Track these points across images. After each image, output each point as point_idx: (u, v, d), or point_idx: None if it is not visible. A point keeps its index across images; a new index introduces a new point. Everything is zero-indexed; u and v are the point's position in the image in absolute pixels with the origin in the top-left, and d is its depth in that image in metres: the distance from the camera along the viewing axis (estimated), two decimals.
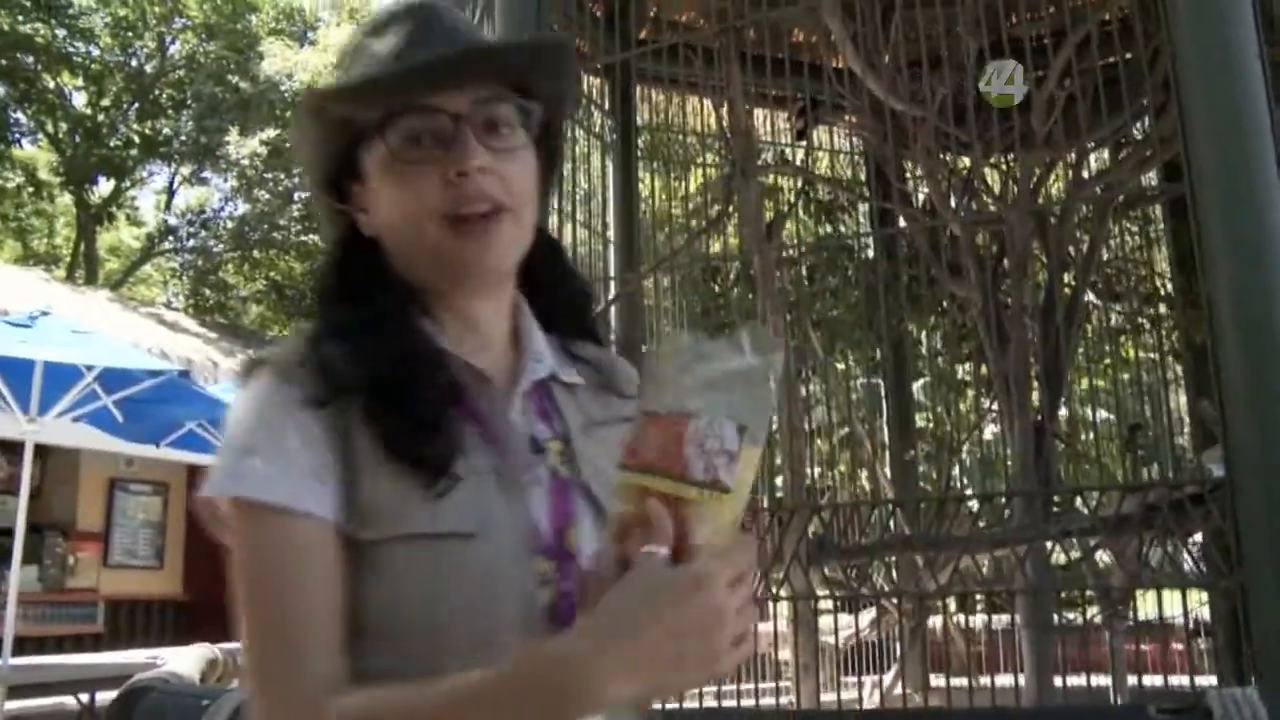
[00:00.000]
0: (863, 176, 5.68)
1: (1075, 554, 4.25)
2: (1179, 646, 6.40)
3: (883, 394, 5.41)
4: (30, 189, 20.68)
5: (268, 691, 0.98)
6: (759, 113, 5.23)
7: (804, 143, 5.09)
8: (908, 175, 5.06)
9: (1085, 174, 4.90)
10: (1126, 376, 6.16)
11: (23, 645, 7.50)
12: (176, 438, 7.69)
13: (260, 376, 1.08)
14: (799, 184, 5.51)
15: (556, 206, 3.42)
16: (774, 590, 3.00)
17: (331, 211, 1.23)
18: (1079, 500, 3.21)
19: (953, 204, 4.54)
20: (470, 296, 1.16)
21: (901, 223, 5.04)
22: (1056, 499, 3.54)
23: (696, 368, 0.92)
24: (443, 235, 1.08)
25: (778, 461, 4.70)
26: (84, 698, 6.24)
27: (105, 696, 5.53)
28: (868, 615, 6.31)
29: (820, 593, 3.39)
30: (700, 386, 0.91)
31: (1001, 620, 5.94)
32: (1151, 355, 5.96)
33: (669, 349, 0.98)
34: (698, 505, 0.87)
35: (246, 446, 1.02)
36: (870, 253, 5.27)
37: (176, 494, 11.98)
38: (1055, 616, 3.98)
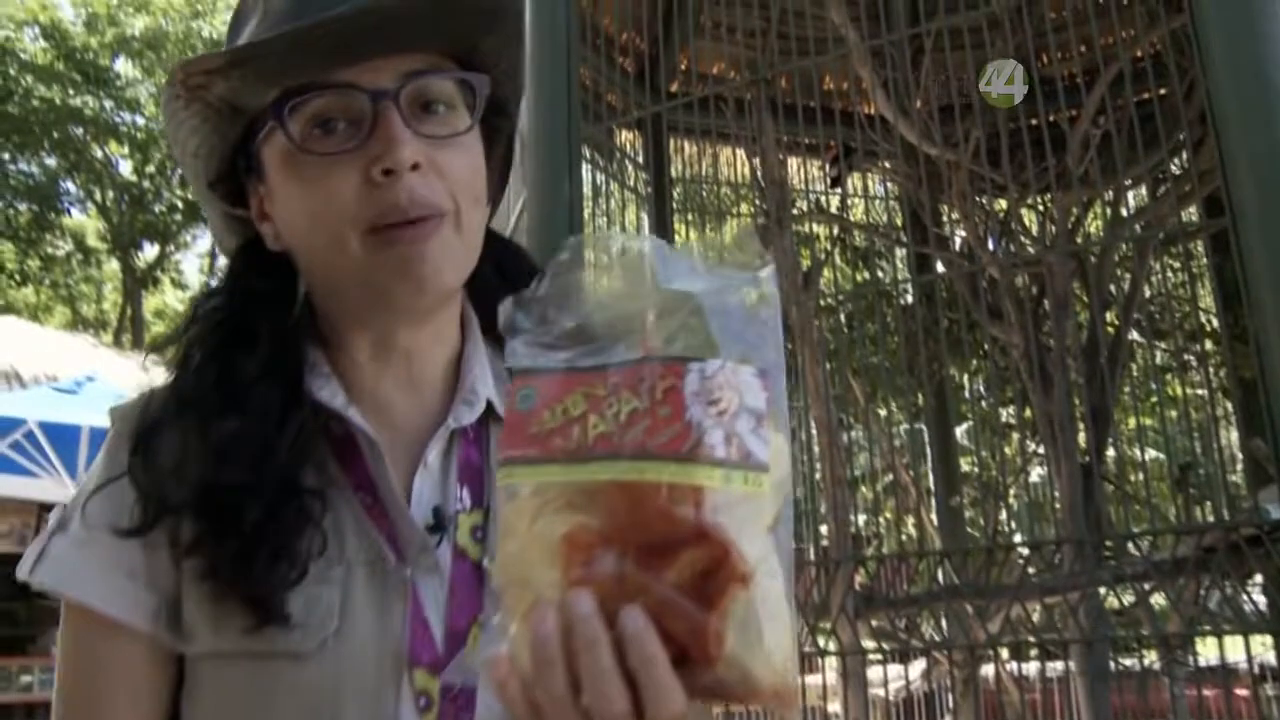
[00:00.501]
0: (899, 221, 5.66)
1: (1130, 599, 4.16)
2: (1244, 693, 6.23)
3: (926, 440, 5.35)
4: (79, 256, 21.21)
5: None
6: (793, 161, 5.24)
7: (839, 190, 5.09)
8: (944, 219, 5.04)
9: (1124, 212, 4.85)
10: (1175, 414, 6.05)
11: None
12: None
13: (107, 439, 0.94)
14: (835, 231, 5.50)
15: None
16: (822, 644, 2.95)
17: (225, 220, 1.00)
18: (1131, 544, 3.15)
19: (990, 246, 4.51)
20: (399, 325, 0.93)
21: (939, 267, 5.01)
22: (1108, 543, 3.48)
23: (656, 289, 0.62)
24: (364, 251, 0.84)
25: (821, 510, 4.66)
26: None
27: None
28: (918, 666, 6.20)
29: (869, 645, 3.33)
30: (678, 315, 0.60)
31: (1056, 668, 5.81)
32: (1200, 392, 5.86)
33: (601, 251, 0.67)
34: (724, 494, 0.56)
35: (64, 521, 0.89)
36: (909, 298, 5.24)
37: None
38: (1112, 663, 3.88)
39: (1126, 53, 4.03)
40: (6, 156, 19.61)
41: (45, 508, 9.74)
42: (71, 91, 19.24)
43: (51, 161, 20.03)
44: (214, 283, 1.00)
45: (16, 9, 19.76)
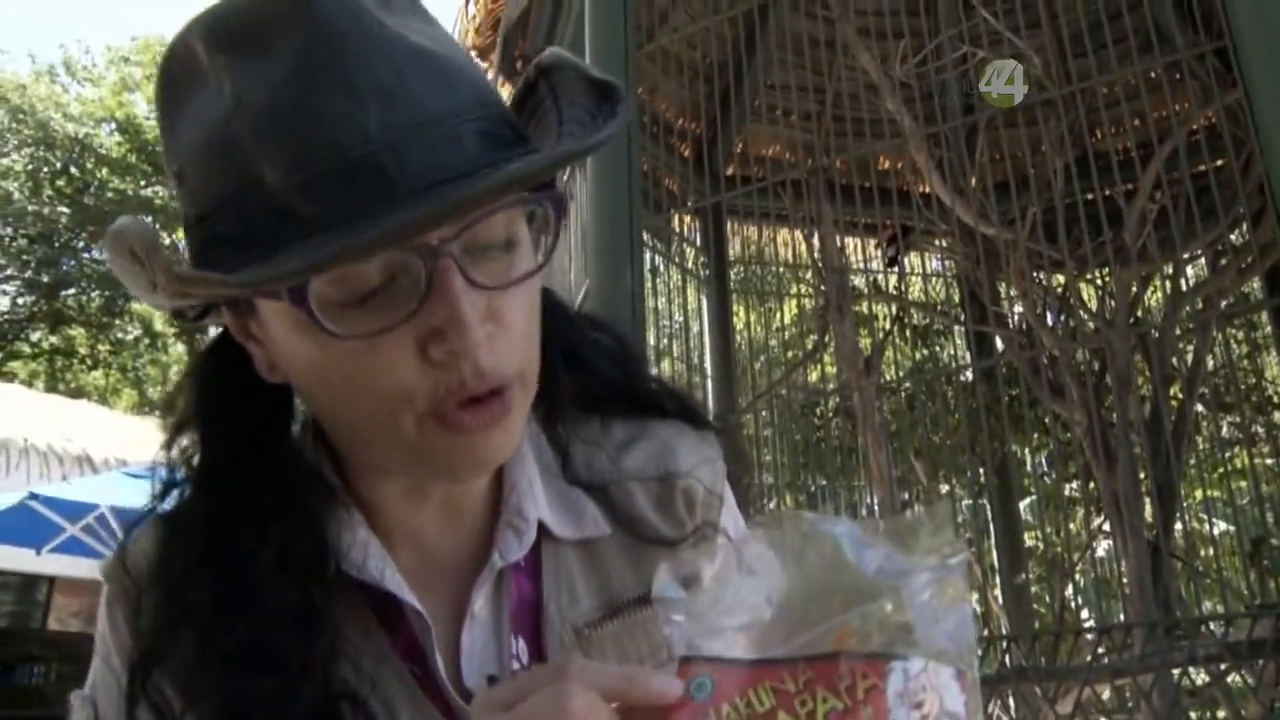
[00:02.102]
0: (957, 299, 5.68)
1: (1203, 680, 4.06)
2: None
3: (989, 516, 5.30)
4: (147, 340, 21.72)
5: None
6: (849, 241, 5.30)
7: (895, 269, 5.13)
8: (1002, 296, 5.05)
9: (1184, 285, 4.83)
10: (1244, 485, 5.94)
11: None
12: None
13: (104, 620, 0.81)
14: (894, 310, 5.53)
15: (653, 344, 3.48)
16: None
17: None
18: (1204, 625, 3.09)
19: (1049, 323, 4.50)
20: (453, 484, 0.79)
21: (999, 344, 5.01)
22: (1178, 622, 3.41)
23: (851, 575, 0.57)
24: (419, 433, 0.69)
25: None
26: None
27: None
28: None
29: None
30: (875, 606, 0.55)
31: None
32: (1269, 462, 5.75)
33: (790, 529, 0.59)
34: None
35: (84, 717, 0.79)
36: (968, 375, 5.24)
37: None
38: None
39: (1181, 127, 4.05)
40: (81, 245, 20.30)
41: None
42: (143, 182, 19.94)
43: None
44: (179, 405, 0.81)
45: (95, 106, 20.60)
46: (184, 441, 0.79)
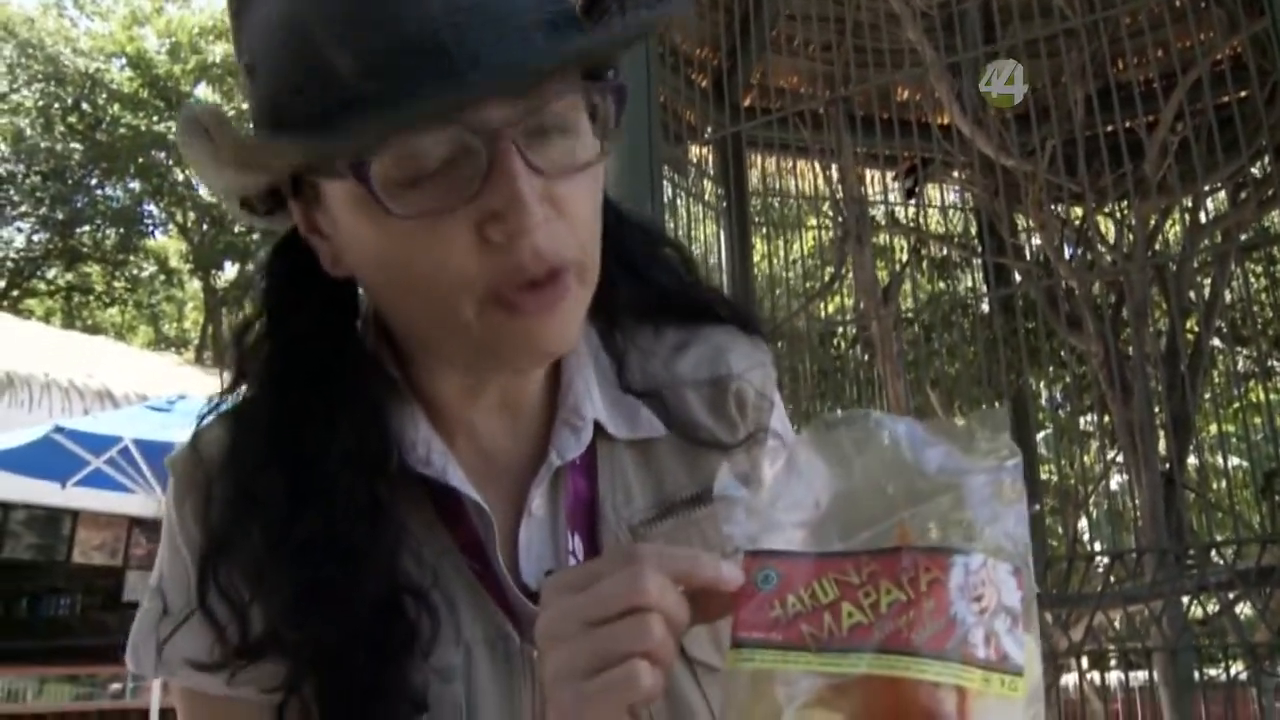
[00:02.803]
0: (974, 231, 5.65)
1: (1214, 608, 4.10)
2: None
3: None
4: (162, 277, 21.80)
5: None
6: (867, 172, 5.27)
7: (914, 201, 5.11)
8: (1020, 229, 5.03)
9: (1203, 218, 4.80)
10: (1259, 421, 5.95)
11: (166, 717, 7.77)
12: None
13: (170, 517, 0.82)
14: (911, 243, 5.51)
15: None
16: None
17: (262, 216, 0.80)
18: (1215, 553, 3.13)
19: (1067, 256, 4.49)
20: (511, 377, 0.80)
21: (1016, 278, 5.00)
22: (1191, 552, 3.45)
23: (913, 472, 0.58)
24: (479, 319, 0.69)
25: None
26: None
27: None
28: None
29: None
30: (937, 503, 0.57)
31: (1138, 678, 5.72)
32: None
33: (847, 432, 0.60)
34: (982, 700, 0.52)
35: (155, 609, 0.81)
36: (985, 307, 5.24)
37: None
38: (1197, 673, 3.84)
39: (1205, 57, 4.00)
40: (94, 182, 20.29)
41: (135, 522, 10.07)
42: (155, 118, 19.86)
43: (135, 186, 20.67)
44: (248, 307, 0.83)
45: (106, 41, 20.46)
46: (251, 338, 0.81)
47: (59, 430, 6.00)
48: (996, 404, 5.06)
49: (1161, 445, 4.05)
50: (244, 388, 0.82)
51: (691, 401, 0.85)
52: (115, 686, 10.29)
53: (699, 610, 0.59)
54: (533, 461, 0.81)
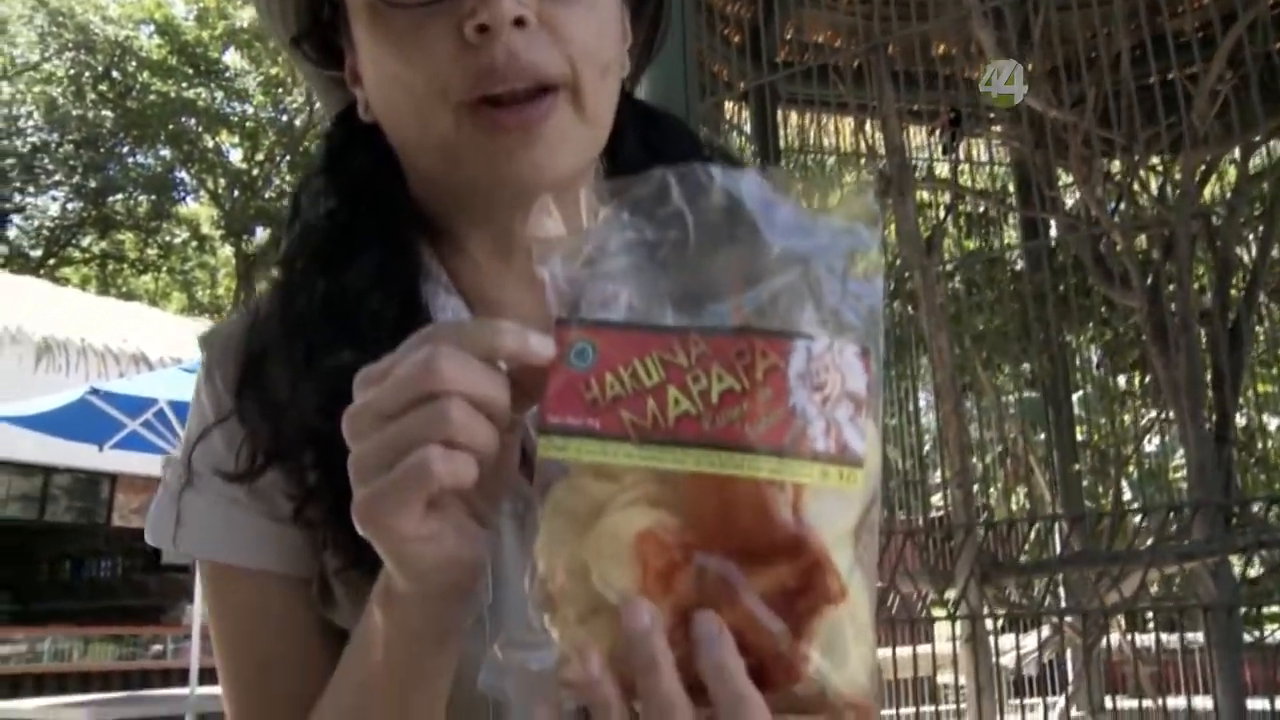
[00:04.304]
0: (1012, 187, 5.56)
1: (1258, 570, 4.03)
2: None
3: (1045, 408, 5.26)
4: (194, 243, 21.94)
5: None
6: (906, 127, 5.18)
7: (952, 156, 5.02)
8: (1058, 183, 4.93)
9: (1250, 169, 4.69)
10: None
11: (206, 675, 7.89)
12: None
13: (203, 369, 0.83)
14: (949, 198, 5.43)
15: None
16: (949, 610, 2.95)
17: (323, 82, 0.86)
18: (1262, 509, 3.07)
19: (1109, 209, 4.40)
20: (515, 218, 0.75)
21: (1054, 231, 4.91)
22: (1237, 511, 3.39)
23: (755, 240, 0.50)
24: (455, 131, 0.70)
25: (931, 480, 4.61)
26: None
27: None
28: (1031, 638, 6.11)
29: (999, 612, 3.29)
30: (780, 277, 0.50)
31: (1171, 641, 5.68)
32: None
33: (691, 184, 0.52)
34: (818, 493, 0.48)
35: (190, 478, 0.80)
36: (1021, 264, 5.16)
37: None
38: (1245, 635, 3.79)
39: (1253, 5, 3.88)
40: (125, 150, 20.40)
41: None
42: (184, 85, 19.92)
43: (166, 153, 20.78)
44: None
45: (134, 9, 20.50)
46: (309, 190, 0.84)
47: (94, 392, 6.04)
48: (1034, 363, 4.99)
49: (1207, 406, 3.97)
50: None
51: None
52: (157, 648, 10.47)
53: (526, 391, 0.53)
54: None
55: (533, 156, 0.70)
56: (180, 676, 7.70)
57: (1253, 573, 4.01)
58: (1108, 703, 4.81)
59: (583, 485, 0.50)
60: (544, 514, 0.50)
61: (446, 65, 0.68)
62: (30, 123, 19.62)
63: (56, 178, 20.05)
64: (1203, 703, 4.28)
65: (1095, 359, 6.03)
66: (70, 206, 20.76)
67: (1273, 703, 3.54)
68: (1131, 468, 5.36)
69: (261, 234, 21.69)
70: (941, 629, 5.80)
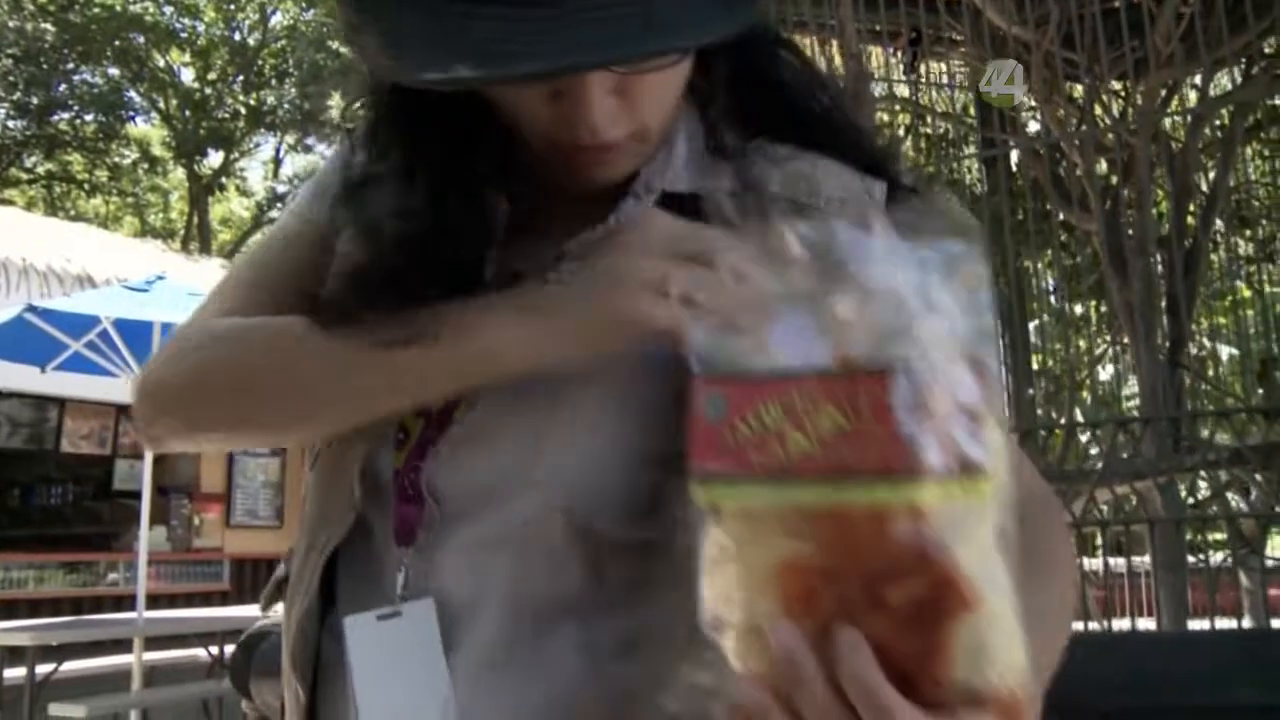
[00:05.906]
0: (973, 110, 5.51)
1: (1205, 494, 4.10)
2: None
3: (999, 332, 5.26)
4: (145, 165, 21.42)
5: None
6: (865, 49, 5.10)
7: (913, 77, 4.96)
8: (1020, 106, 4.89)
9: (1211, 94, 4.67)
10: (1250, 313, 5.90)
11: (155, 601, 7.86)
12: None
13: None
14: (910, 119, 5.37)
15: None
16: None
17: None
18: (1214, 429, 3.09)
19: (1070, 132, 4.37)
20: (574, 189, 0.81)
21: (1015, 154, 4.87)
22: (1185, 432, 3.41)
23: (850, 278, 0.54)
24: (546, 149, 0.75)
25: None
26: (214, 649, 6.47)
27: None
28: None
29: None
30: (877, 309, 0.53)
31: (1117, 563, 5.80)
32: None
33: (778, 241, 0.57)
34: (943, 510, 0.50)
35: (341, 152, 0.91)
36: (982, 186, 5.12)
37: (294, 455, 12.31)
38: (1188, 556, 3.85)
39: None
40: (71, 67, 19.77)
41: (123, 410, 10.02)
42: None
43: (114, 71, 20.16)
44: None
45: None
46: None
47: (32, 309, 5.86)
48: (996, 286, 4.98)
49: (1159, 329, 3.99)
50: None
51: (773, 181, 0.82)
52: (113, 576, 10.43)
53: None
54: None
55: (599, 176, 0.77)
56: (132, 603, 7.63)
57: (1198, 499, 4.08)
58: None
59: (730, 524, 0.55)
60: (703, 552, 0.56)
61: (538, 113, 0.72)
62: None
63: None
64: (1146, 624, 4.36)
65: (1051, 285, 6.05)
66: (12, 125, 20.15)
67: (1213, 622, 3.62)
68: (1085, 393, 5.40)
69: (214, 156, 21.25)
70: None
